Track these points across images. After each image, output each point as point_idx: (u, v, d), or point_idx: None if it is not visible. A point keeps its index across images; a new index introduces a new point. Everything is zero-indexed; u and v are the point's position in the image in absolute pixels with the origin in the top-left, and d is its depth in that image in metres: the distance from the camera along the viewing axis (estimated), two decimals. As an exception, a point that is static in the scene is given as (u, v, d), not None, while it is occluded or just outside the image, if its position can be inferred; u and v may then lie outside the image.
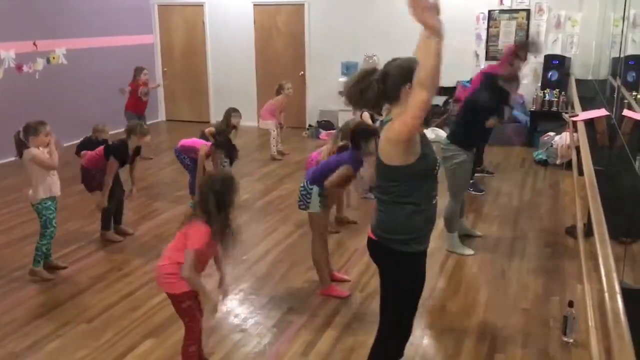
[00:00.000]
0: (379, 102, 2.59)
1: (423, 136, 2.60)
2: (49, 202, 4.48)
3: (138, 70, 8.05)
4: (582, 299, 3.97)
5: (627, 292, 2.21)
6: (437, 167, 2.62)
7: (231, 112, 6.71)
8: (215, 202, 2.98)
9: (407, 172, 2.51)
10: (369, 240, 2.76)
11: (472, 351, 3.52)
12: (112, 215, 5.33)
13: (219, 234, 3.03)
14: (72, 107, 8.65)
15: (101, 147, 5.26)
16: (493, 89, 4.89)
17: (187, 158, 6.06)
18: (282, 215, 5.91)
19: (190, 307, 3.11)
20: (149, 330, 3.79)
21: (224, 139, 6.08)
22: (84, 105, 8.80)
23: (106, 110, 8.04)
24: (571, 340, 3.54)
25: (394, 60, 2.57)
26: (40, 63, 8.58)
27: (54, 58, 8.81)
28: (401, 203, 2.58)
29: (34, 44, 8.46)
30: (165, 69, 10.97)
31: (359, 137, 4.07)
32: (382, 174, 2.62)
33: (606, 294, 2.14)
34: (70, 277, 4.61)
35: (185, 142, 6.09)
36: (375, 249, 2.74)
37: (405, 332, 2.87)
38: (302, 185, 4.17)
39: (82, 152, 5.82)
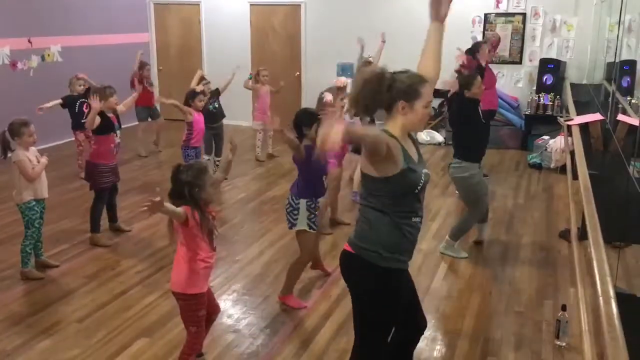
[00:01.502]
0: (377, 107, 2.49)
1: (412, 153, 2.50)
2: (34, 203, 4.44)
3: (142, 64, 8.21)
4: (576, 302, 3.98)
5: (620, 297, 2.21)
6: (419, 186, 2.45)
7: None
8: (188, 191, 2.94)
9: (385, 185, 2.42)
10: (343, 252, 2.59)
11: (465, 354, 3.52)
12: (100, 217, 5.21)
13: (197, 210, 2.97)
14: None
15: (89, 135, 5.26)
16: (460, 100, 4.90)
17: (192, 150, 6.09)
18: (276, 215, 5.90)
19: (203, 316, 3.10)
20: (142, 329, 3.77)
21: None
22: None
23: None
24: (564, 344, 3.55)
25: (404, 72, 2.48)
26: (34, 60, 8.53)
27: (48, 55, 8.76)
28: (381, 215, 2.46)
29: (29, 41, 8.41)
30: (161, 68, 10.94)
31: (300, 123, 3.92)
32: (363, 183, 2.54)
33: (600, 299, 2.14)
34: (62, 276, 4.58)
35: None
36: (348, 261, 2.58)
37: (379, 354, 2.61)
38: (287, 201, 3.98)
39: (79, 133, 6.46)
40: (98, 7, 9.53)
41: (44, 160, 4.45)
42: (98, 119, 4.93)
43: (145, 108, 8.23)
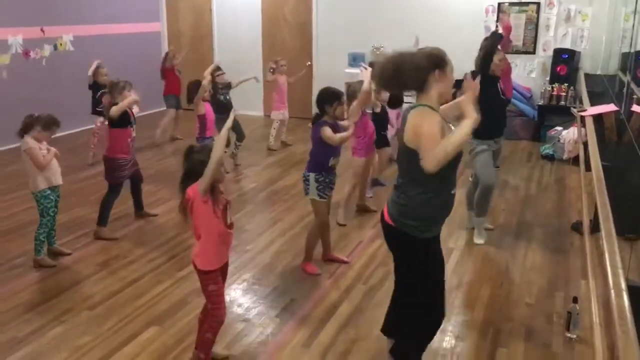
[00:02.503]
0: (414, 84, 2.72)
1: (449, 129, 2.72)
2: (49, 192, 4.49)
3: (167, 54, 8.66)
4: (587, 295, 3.95)
5: (632, 290, 2.19)
6: (460, 157, 2.71)
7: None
8: (200, 169, 2.97)
9: None
10: (387, 225, 2.87)
11: (475, 345, 3.52)
12: (110, 211, 5.16)
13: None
14: (78, 94, 8.59)
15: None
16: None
17: (209, 139, 6.03)
18: (286, 205, 5.90)
19: (215, 292, 3.12)
20: (153, 317, 3.80)
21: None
22: (90, 93, 8.78)
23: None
24: (574, 336, 3.53)
25: (423, 48, 2.77)
26: (47, 49, 8.57)
27: (61, 44, 8.80)
28: (421, 188, 2.70)
29: (42, 30, 8.45)
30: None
31: (323, 102, 4.22)
32: (405, 159, 2.73)
33: (612, 291, 2.13)
34: (75, 263, 4.62)
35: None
36: (392, 234, 2.86)
37: (437, 319, 2.97)
38: (303, 172, 4.36)
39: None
40: (110, -4, 9.55)
41: (53, 149, 4.48)
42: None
43: (174, 97, 8.46)
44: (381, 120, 5.89)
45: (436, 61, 2.68)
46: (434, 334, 3.06)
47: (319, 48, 9.95)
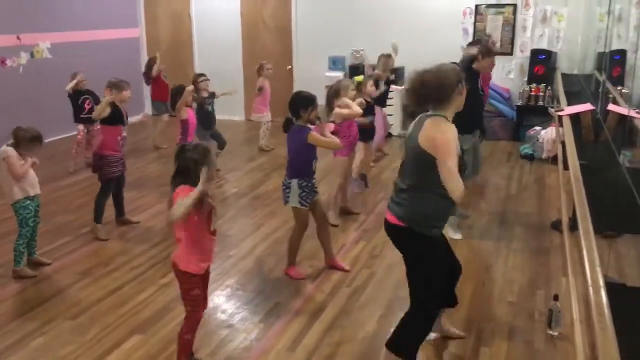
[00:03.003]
0: (438, 99, 2.88)
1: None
2: (28, 202, 4.42)
3: (152, 60, 8.64)
4: (567, 292, 4.00)
5: (610, 286, 2.23)
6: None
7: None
8: (193, 168, 2.98)
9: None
10: (395, 227, 3.00)
11: (459, 344, 3.54)
12: (104, 208, 5.26)
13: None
14: (56, 102, 8.51)
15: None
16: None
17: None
18: (269, 210, 5.90)
19: (197, 297, 3.15)
20: (135, 326, 3.77)
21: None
22: (69, 100, 8.70)
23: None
24: (556, 334, 3.57)
25: (446, 64, 2.97)
26: (24, 57, 8.47)
27: (37, 52, 8.70)
28: (431, 191, 2.86)
29: (18, 37, 8.34)
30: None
31: (297, 106, 4.22)
32: (417, 162, 2.88)
33: (590, 288, 2.16)
34: (55, 273, 4.57)
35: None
36: (402, 235, 3.01)
37: (438, 304, 3.18)
38: (283, 181, 4.33)
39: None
40: (87, 2, 9.46)
41: (31, 159, 4.39)
42: (108, 110, 5.05)
43: (162, 103, 8.38)
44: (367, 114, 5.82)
45: (460, 76, 2.89)
46: (432, 323, 3.19)
47: (299, 52, 9.97)
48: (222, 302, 4.09)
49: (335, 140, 4.25)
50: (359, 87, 5.72)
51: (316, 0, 9.67)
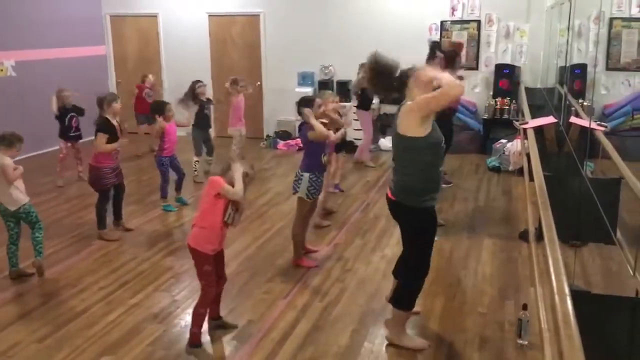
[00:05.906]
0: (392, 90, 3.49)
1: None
2: (27, 205, 4.67)
3: (143, 76, 9.09)
4: (536, 301, 4.06)
5: (576, 294, 2.27)
6: (442, 139, 3.36)
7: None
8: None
9: (425, 141, 3.27)
10: (390, 200, 3.52)
11: (431, 357, 3.56)
12: (105, 215, 5.54)
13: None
14: (21, 121, 8.35)
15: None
16: None
17: (166, 159, 6.24)
18: (240, 227, 5.84)
19: (210, 272, 3.60)
20: (105, 347, 3.70)
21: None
22: (34, 119, 8.53)
23: (57, 124, 7.83)
24: (526, 343, 3.62)
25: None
26: (-13, 75, 8.33)
27: (1, 70, 8.56)
28: (414, 168, 3.34)
29: (-19, 55, 8.21)
30: (119, 81, 10.79)
31: (300, 106, 4.79)
32: (402, 146, 3.38)
33: (557, 297, 2.19)
34: (20, 295, 4.46)
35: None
36: (398, 208, 3.51)
37: (427, 267, 3.60)
38: (296, 172, 4.80)
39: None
40: (53, 20, 9.35)
41: (20, 168, 4.61)
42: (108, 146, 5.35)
43: (144, 115, 8.59)
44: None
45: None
46: (423, 280, 3.64)
47: (269, 68, 10.01)
48: (193, 320, 4.03)
49: (320, 127, 4.61)
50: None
51: (284, 18, 9.74)
